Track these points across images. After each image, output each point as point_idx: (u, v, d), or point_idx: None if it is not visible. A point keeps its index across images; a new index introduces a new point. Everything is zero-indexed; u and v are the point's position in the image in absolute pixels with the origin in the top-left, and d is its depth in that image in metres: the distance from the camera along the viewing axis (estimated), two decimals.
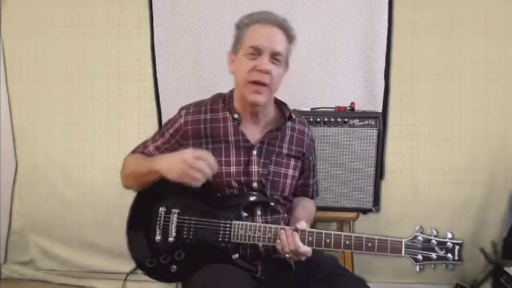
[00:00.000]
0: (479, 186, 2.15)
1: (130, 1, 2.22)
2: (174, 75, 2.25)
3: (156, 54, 2.23)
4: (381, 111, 2.12)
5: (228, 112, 1.33)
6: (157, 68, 2.24)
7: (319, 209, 1.82)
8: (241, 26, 1.29)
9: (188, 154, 1.18)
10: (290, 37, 1.30)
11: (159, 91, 2.26)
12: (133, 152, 1.46)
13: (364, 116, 1.89)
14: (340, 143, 1.88)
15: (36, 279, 2.40)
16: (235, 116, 1.32)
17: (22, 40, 2.29)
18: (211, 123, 1.33)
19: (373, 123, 1.87)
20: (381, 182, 1.97)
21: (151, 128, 2.20)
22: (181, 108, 1.39)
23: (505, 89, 2.12)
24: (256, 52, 1.24)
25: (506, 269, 1.94)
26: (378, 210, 1.91)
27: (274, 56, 1.25)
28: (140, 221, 1.33)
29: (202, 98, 1.41)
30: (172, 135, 1.36)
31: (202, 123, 1.33)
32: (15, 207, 2.42)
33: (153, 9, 2.20)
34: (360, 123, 1.87)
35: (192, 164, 1.16)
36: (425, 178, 2.18)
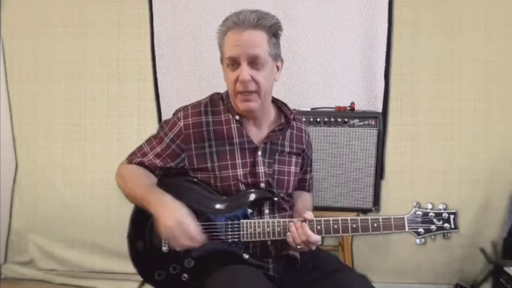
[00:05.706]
0: (479, 186, 2.16)
1: (130, 1, 2.22)
2: (174, 75, 2.25)
3: (156, 54, 2.23)
4: (380, 111, 2.12)
5: (229, 114, 1.32)
6: (157, 68, 2.24)
7: (320, 209, 1.83)
8: (219, 35, 1.27)
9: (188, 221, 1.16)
10: (270, 31, 1.23)
11: (159, 91, 2.26)
12: (130, 160, 1.36)
13: (364, 116, 1.89)
14: (340, 143, 1.88)
15: (36, 279, 2.40)
16: (237, 117, 1.31)
17: (22, 40, 2.29)
18: (214, 125, 1.30)
19: (373, 123, 1.87)
20: (381, 182, 1.98)
21: (151, 128, 2.17)
22: (178, 111, 1.36)
23: (505, 89, 2.12)
24: (235, 62, 1.22)
25: (506, 269, 1.94)
26: (377, 210, 1.91)
27: (254, 61, 1.21)
28: (143, 234, 1.28)
29: (202, 98, 1.39)
30: (172, 140, 1.30)
31: (204, 126, 1.30)
32: (15, 207, 2.42)
33: (153, 9, 2.20)
34: (360, 123, 1.87)
35: (186, 230, 1.15)
36: (425, 178, 2.18)
